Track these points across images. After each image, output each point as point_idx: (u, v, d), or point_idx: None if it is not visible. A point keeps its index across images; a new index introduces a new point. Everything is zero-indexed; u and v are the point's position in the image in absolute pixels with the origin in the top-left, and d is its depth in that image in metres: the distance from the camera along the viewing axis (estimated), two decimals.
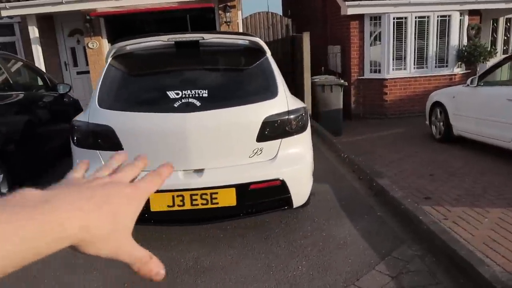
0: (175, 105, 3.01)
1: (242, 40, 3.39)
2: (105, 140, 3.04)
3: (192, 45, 3.35)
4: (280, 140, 3.15)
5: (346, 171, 5.23)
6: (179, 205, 2.98)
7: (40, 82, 5.64)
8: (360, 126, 9.40)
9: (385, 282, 2.74)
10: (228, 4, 9.23)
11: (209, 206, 3.00)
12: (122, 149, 3.02)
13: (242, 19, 9.68)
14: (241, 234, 3.51)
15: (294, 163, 3.18)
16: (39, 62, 9.37)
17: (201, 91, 3.07)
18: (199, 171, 3.03)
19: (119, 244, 0.45)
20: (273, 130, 3.12)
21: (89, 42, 9.24)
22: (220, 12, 9.34)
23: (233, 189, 3.00)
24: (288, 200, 3.19)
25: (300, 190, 3.27)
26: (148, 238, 3.52)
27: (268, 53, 3.50)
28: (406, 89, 10.41)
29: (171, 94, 3.05)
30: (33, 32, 9.41)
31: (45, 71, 6.89)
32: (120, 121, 3.03)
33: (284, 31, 10.00)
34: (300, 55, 9.18)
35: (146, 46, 3.51)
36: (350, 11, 9.72)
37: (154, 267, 0.48)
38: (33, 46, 9.45)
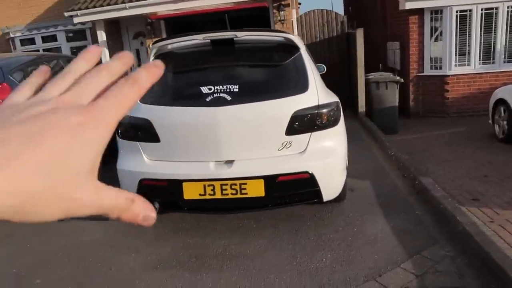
0: (207, 100, 3.18)
1: (276, 37, 3.47)
2: (144, 132, 3.28)
3: (227, 43, 3.50)
4: (309, 134, 3.20)
5: (391, 169, 5.11)
6: (210, 194, 3.14)
7: None
8: (419, 124, 9.05)
9: (408, 280, 2.69)
10: (282, 3, 9.32)
11: (238, 196, 3.13)
12: (159, 140, 3.24)
13: (297, 17, 9.71)
14: (273, 225, 3.60)
15: (324, 157, 3.22)
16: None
17: (232, 86, 3.20)
18: (230, 162, 3.17)
19: (72, 197, 0.32)
20: (302, 124, 3.17)
21: (150, 43, 9.81)
22: (274, 11, 9.46)
23: (262, 181, 3.10)
24: (318, 193, 3.23)
25: (330, 184, 3.30)
26: (184, 225, 3.73)
27: (302, 49, 3.55)
28: (470, 86, 9.83)
29: (204, 90, 3.22)
30: (101, 36, 10.18)
31: None
32: (157, 114, 3.26)
33: (339, 28, 9.88)
34: (354, 52, 9.03)
35: (186, 45, 3.72)
36: (409, 6, 9.38)
37: (140, 210, 0.37)
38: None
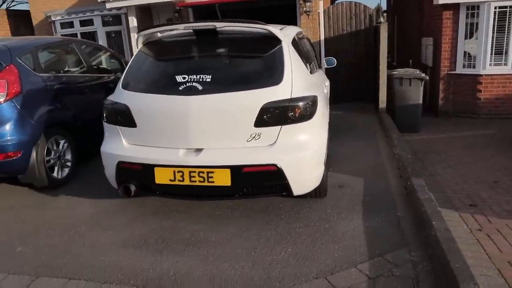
0: (180, 88, 3.25)
1: (258, 29, 3.46)
2: (123, 117, 3.41)
3: (209, 34, 3.54)
4: (280, 126, 3.19)
5: (391, 168, 4.97)
6: (179, 180, 3.23)
7: (118, 67, 6.36)
8: (445, 124, 8.69)
9: (359, 281, 2.65)
10: None
11: (206, 183, 3.20)
12: (135, 125, 3.37)
13: (324, 9, 9.55)
14: (247, 215, 3.64)
15: (294, 150, 3.20)
16: (136, 49, 10.42)
17: (205, 76, 3.25)
18: (198, 150, 3.24)
19: None
20: (272, 116, 3.17)
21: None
22: (301, 2, 9.35)
23: (228, 170, 3.15)
24: (286, 187, 3.23)
25: (301, 178, 3.28)
26: (164, 208, 3.85)
27: (285, 42, 3.51)
28: (505, 87, 9.30)
29: (179, 78, 3.29)
30: (132, 21, 10.50)
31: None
32: (135, 100, 3.38)
33: (368, 22, 9.61)
34: (379, 45, 8.78)
35: (174, 34, 3.79)
36: (443, 1, 8.97)
37: None
38: (132, 34, 10.55)
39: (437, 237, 3.02)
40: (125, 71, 3.67)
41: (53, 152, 4.53)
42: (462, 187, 4.59)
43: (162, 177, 3.26)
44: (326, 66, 6.17)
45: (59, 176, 4.61)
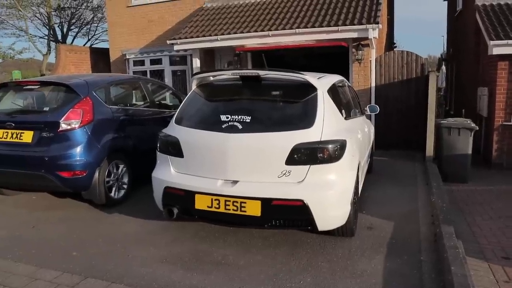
0: (223, 126, 3.72)
1: (297, 78, 3.89)
2: (173, 148, 3.94)
3: (253, 79, 4.02)
4: (308, 166, 3.53)
5: (425, 215, 5.05)
6: (215, 207, 3.64)
7: (178, 103, 7.06)
8: (497, 176, 8.48)
9: None
10: (362, 43, 9.58)
11: (238, 212, 3.58)
12: (182, 156, 3.86)
13: (376, 57, 9.87)
14: (276, 246, 3.94)
15: (320, 188, 3.51)
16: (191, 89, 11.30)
17: (245, 117, 3.71)
18: (234, 182, 3.65)
19: None
20: (302, 156, 3.53)
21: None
22: (353, 50, 9.76)
23: (259, 202, 3.51)
24: (311, 222, 3.53)
25: (326, 215, 3.56)
26: (202, 233, 4.26)
27: (320, 90, 3.89)
28: None
29: (223, 117, 3.78)
30: (196, 62, 11.46)
31: None
32: (184, 135, 3.90)
33: (419, 70, 9.77)
34: (427, 95, 8.88)
35: (223, 78, 4.33)
36: (496, 51, 8.98)
37: None
38: None
39: (452, 282, 3.13)
40: (179, 108, 4.24)
41: (112, 175, 5.16)
42: (499, 239, 4.58)
43: (201, 203, 3.70)
44: (368, 113, 6.45)
45: (116, 196, 5.21)
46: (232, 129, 3.67)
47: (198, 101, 4.27)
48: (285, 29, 9.53)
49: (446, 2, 19.07)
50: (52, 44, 24.21)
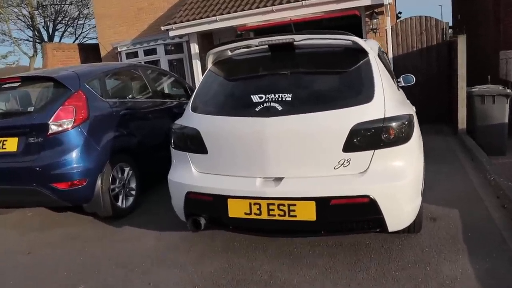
0: (257, 109, 2.91)
1: (341, 40, 3.08)
2: (193, 142, 3.12)
3: (285, 49, 3.20)
4: (372, 151, 2.74)
5: (488, 197, 4.29)
6: (255, 214, 2.85)
7: (182, 92, 6.24)
8: None
9: None
10: (376, 10, 8.73)
11: (286, 218, 2.79)
12: (206, 152, 3.06)
13: (392, 25, 9.02)
14: (330, 253, 3.17)
15: (389, 179, 2.73)
16: (198, 75, 10.46)
17: (284, 95, 2.90)
18: (278, 179, 2.85)
19: None
20: (363, 139, 2.73)
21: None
22: (366, 19, 8.92)
23: (313, 203, 2.73)
24: (381, 222, 2.75)
25: (397, 212, 2.78)
26: (234, 244, 3.48)
27: (371, 54, 3.11)
28: None
29: (255, 98, 2.96)
30: (194, 48, 10.58)
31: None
32: (206, 124, 3.08)
33: (440, 36, 8.93)
34: (456, 61, 8.06)
35: (245, 51, 3.51)
36: None
37: None
38: (193, 61, 10.62)
39: None
40: (194, 93, 3.42)
41: (118, 180, 4.36)
42: None
43: (236, 210, 2.90)
44: (403, 84, 5.64)
45: (124, 206, 4.42)
46: (269, 112, 2.86)
47: (217, 82, 3.46)
48: (290, 2, 8.65)
49: None
50: (38, 46, 23.18)
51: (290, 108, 2.85)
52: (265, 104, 2.90)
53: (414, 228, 3.22)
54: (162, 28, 10.34)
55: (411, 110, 3.12)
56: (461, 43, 7.73)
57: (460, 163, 5.72)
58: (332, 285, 2.74)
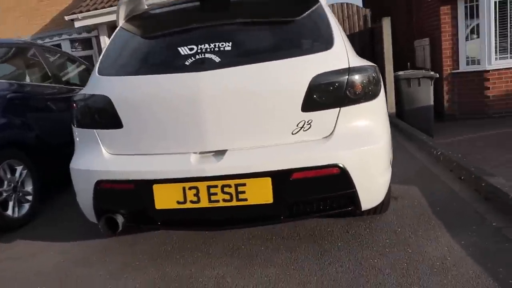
0: (187, 63, 2.19)
1: None
2: (102, 115, 2.31)
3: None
4: (337, 109, 2.17)
5: (440, 171, 4.00)
6: (192, 201, 2.13)
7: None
8: (456, 127, 7.89)
9: None
10: None
11: (234, 203, 2.10)
12: (121, 125, 2.26)
13: None
14: (288, 247, 2.54)
15: (360, 143, 2.17)
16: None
17: (222, 44, 2.22)
18: (220, 153, 2.16)
19: None
20: (326, 94, 2.15)
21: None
22: None
23: (268, 179, 2.07)
24: (353, 198, 2.18)
25: (371, 184, 2.23)
26: (166, 247, 2.70)
27: (323, 2, 2.57)
28: None
29: (184, 50, 2.25)
30: (104, 41, 9.48)
31: None
32: (119, 88, 2.30)
33: (362, 23, 8.88)
34: (381, 46, 8.00)
35: (166, 1, 2.77)
36: None
37: None
38: None
39: None
40: (101, 54, 2.59)
41: (6, 182, 3.34)
42: None
43: (165, 199, 2.15)
44: None
45: (15, 215, 3.39)
46: (204, 65, 2.16)
47: (132, 40, 2.68)
48: None
49: None
50: None
51: (231, 59, 2.18)
52: (197, 56, 2.20)
53: (382, 207, 2.71)
54: (66, 17, 9.14)
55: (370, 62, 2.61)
56: (386, 26, 7.69)
57: (400, 144, 5.48)
58: (301, 285, 2.10)
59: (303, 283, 2.12)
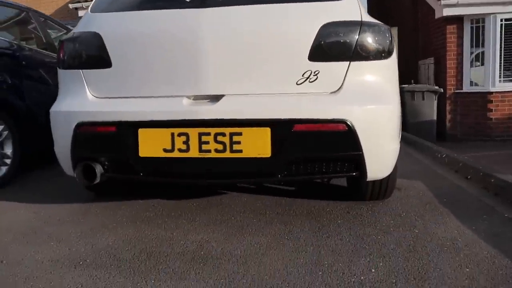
0: (187, 0, 2.00)
1: None
2: (90, 53, 2.10)
3: None
4: (347, 63, 1.97)
5: (446, 172, 3.79)
6: (180, 150, 1.91)
7: None
8: (457, 147, 7.67)
9: None
10: None
11: (227, 154, 1.88)
12: (110, 65, 2.05)
13: None
14: (283, 221, 2.30)
15: (370, 101, 1.97)
16: None
17: None
18: (216, 98, 1.95)
19: None
20: (336, 45, 1.96)
21: None
22: None
23: (267, 129, 1.86)
24: (359, 163, 1.96)
25: (379, 149, 2.02)
26: (148, 214, 2.46)
27: None
28: None
29: None
30: None
31: None
32: (111, 25, 2.10)
33: None
34: None
35: None
36: (447, 12, 8.33)
37: None
38: None
39: None
40: None
41: None
42: None
43: (150, 146, 1.93)
44: None
45: None
46: (206, 1, 1.97)
47: None
48: None
49: None
50: None
51: None
52: None
53: (386, 190, 2.49)
54: (70, 6, 9.00)
55: None
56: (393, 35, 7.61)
57: (404, 151, 5.29)
58: (295, 253, 1.86)
59: (297, 251, 1.88)
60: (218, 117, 1.86)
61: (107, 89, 2.08)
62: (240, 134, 1.86)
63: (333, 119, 1.88)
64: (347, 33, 1.96)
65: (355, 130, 1.89)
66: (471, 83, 8.87)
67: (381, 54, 2.04)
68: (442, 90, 7.55)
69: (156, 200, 2.69)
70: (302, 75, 1.94)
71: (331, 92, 1.96)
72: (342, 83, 1.96)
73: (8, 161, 3.33)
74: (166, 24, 1.98)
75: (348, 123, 1.88)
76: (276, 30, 1.95)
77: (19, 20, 4.13)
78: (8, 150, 3.35)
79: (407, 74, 10.84)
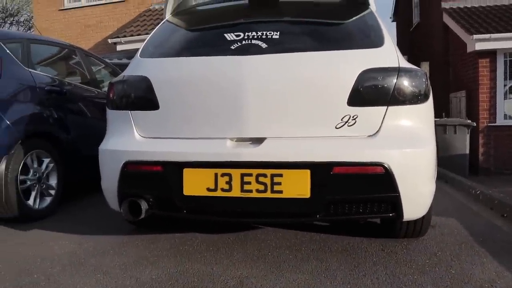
0: (232, 47, 2.15)
1: None
2: (139, 95, 2.27)
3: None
4: (385, 107, 2.06)
5: (480, 210, 3.75)
6: (223, 189, 2.01)
7: None
8: (490, 181, 7.49)
9: None
10: None
11: (268, 195, 1.97)
12: (157, 107, 2.21)
13: None
14: (319, 258, 2.34)
15: (407, 144, 2.04)
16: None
17: (270, 33, 2.18)
18: (258, 140, 2.05)
19: None
20: (374, 91, 2.05)
21: None
22: None
23: (307, 172, 1.95)
24: (395, 204, 2.01)
25: (415, 192, 2.07)
26: (186, 247, 2.55)
27: (373, 7, 2.54)
28: None
29: (230, 37, 2.22)
30: None
31: None
32: (159, 69, 2.27)
33: None
34: None
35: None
36: (479, 46, 8.35)
37: None
38: None
39: None
40: (145, 42, 2.58)
41: (31, 171, 3.30)
42: None
43: (195, 185, 2.04)
44: None
45: (37, 206, 3.33)
46: (250, 50, 2.12)
47: (177, 30, 2.68)
48: None
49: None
50: None
51: (278, 46, 2.13)
52: (243, 42, 2.16)
53: (421, 226, 2.51)
54: (110, 41, 9.52)
55: None
56: (425, 69, 7.63)
57: (437, 186, 5.22)
58: None
59: None
60: (260, 160, 1.96)
61: (154, 129, 2.23)
62: (280, 175, 1.96)
63: (371, 162, 1.95)
64: (385, 79, 2.05)
65: (393, 173, 1.95)
66: (505, 116, 8.74)
67: (418, 98, 2.11)
68: (475, 124, 7.46)
69: (192, 233, 2.78)
70: (341, 119, 2.03)
71: (369, 136, 2.04)
72: (380, 127, 2.04)
73: (52, 192, 3.53)
74: (212, 70, 2.13)
75: (386, 165, 1.95)
76: (317, 76, 2.06)
77: (65, 57, 4.43)
78: (53, 181, 3.55)
79: (438, 107, 10.74)
